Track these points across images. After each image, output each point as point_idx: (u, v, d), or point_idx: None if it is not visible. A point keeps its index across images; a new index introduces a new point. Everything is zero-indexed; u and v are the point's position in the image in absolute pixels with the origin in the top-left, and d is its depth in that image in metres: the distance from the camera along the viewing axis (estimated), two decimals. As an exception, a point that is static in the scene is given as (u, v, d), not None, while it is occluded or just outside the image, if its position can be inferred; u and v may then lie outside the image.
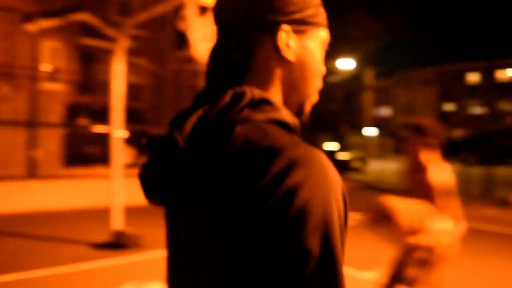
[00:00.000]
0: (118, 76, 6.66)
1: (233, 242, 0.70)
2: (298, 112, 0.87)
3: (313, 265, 0.67)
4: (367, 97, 39.18)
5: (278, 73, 0.83)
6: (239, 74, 0.82)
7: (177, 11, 6.01)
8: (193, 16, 6.13)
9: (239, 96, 0.77)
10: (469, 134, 38.89)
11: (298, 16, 0.82)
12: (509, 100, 42.84)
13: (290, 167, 0.69)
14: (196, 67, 6.58)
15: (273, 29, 0.81)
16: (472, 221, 9.49)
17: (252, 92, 0.78)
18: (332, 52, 19.78)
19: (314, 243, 0.67)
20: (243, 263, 0.70)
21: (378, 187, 14.78)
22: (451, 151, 26.81)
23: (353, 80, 25.75)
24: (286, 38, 0.81)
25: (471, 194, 12.70)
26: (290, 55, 0.82)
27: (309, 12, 0.83)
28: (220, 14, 0.85)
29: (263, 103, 0.78)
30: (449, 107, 46.99)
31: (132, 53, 8.19)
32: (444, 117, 46.07)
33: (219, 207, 0.72)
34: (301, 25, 0.83)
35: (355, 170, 21.00)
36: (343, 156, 21.24)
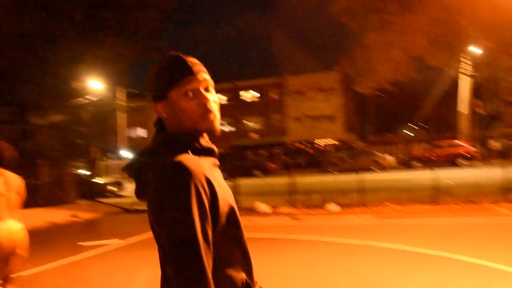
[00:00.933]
0: None
1: (151, 212, 1.26)
2: (201, 133, 1.39)
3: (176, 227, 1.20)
4: (120, 119, 38.66)
5: (167, 123, 1.40)
6: (160, 125, 1.43)
7: None
8: None
9: (159, 139, 1.39)
10: (220, 150, 42.04)
11: (157, 95, 1.39)
12: (251, 118, 47.99)
13: (168, 168, 1.25)
14: None
15: (154, 104, 1.41)
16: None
17: (162, 133, 1.41)
18: (78, 74, 18.82)
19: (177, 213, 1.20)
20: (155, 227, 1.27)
21: (137, 210, 14.59)
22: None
23: (104, 102, 25.07)
24: (159, 107, 1.39)
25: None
26: (162, 114, 1.39)
27: (160, 88, 1.38)
28: None
29: (169, 140, 1.37)
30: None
31: None
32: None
33: (149, 194, 1.27)
34: (162, 99, 1.38)
35: (113, 194, 20.40)
36: (100, 180, 20.41)
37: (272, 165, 32.21)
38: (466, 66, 22.81)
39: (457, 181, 15.14)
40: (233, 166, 17.64)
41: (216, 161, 1.44)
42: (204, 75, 1.39)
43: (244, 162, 28.64)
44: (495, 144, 30.13)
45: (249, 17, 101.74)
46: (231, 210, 1.35)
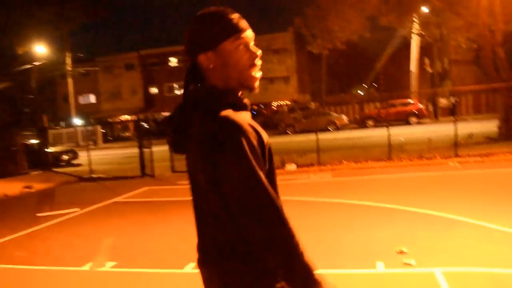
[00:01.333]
0: None
1: (203, 162, 1.34)
2: (242, 87, 1.44)
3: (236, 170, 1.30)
4: (68, 85, 37.19)
5: (210, 74, 1.42)
6: (196, 78, 1.45)
7: None
8: None
9: (200, 91, 1.42)
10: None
11: (206, 45, 1.40)
12: (204, 81, 47.25)
13: (217, 124, 1.32)
14: None
15: (194, 54, 1.42)
16: (184, 193, 10.17)
17: (204, 87, 1.43)
18: (22, 39, 17.84)
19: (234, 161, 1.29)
20: (210, 177, 1.33)
21: (92, 178, 14.29)
22: (159, 133, 28.02)
23: (51, 68, 24.01)
24: (204, 57, 1.40)
25: (180, 170, 13.57)
26: (207, 65, 1.41)
27: (213, 38, 1.39)
28: (184, 47, 1.45)
29: (214, 95, 1.39)
30: (154, 90, 48.94)
31: None
32: (150, 100, 47.91)
33: (197, 152, 1.35)
34: (210, 49, 1.40)
35: (67, 163, 19.85)
36: (52, 149, 19.75)
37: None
38: (416, 26, 23.19)
39: (409, 138, 15.64)
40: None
41: (250, 115, 1.50)
42: (251, 31, 1.46)
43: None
44: (443, 102, 31.20)
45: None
46: (272, 157, 1.46)
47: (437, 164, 11.33)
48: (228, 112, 1.34)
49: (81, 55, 38.14)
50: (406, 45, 32.58)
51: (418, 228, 5.86)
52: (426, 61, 34.65)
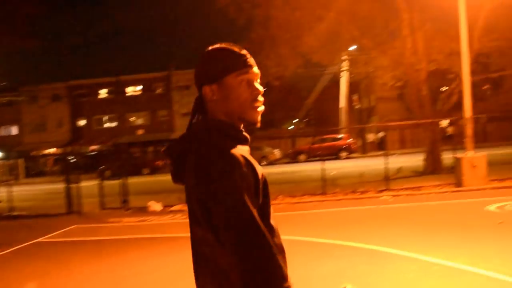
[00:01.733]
0: None
1: (198, 193, 1.37)
2: (243, 122, 1.49)
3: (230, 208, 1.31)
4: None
5: (213, 106, 1.48)
6: (201, 109, 1.50)
7: None
8: None
9: (202, 122, 1.48)
10: (103, 148, 40.10)
11: (211, 77, 1.46)
12: (137, 113, 46.38)
13: (215, 156, 1.35)
14: None
15: (201, 86, 1.48)
16: (116, 231, 9.65)
17: (206, 118, 1.48)
18: None
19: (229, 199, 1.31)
20: (204, 207, 1.36)
21: (13, 216, 13.25)
22: (88, 166, 26.87)
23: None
24: (208, 89, 1.46)
25: (110, 206, 12.92)
26: (211, 97, 1.47)
27: (217, 71, 1.45)
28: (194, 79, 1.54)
29: (216, 127, 1.44)
30: (81, 122, 47.20)
31: None
32: (78, 133, 46.07)
33: (192, 181, 1.38)
34: (214, 82, 1.46)
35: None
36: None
37: (161, 162, 31.39)
38: (346, 64, 24.18)
39: (341, 172, 15.97)
40: (120, 165, 16.79)
41: (249, 149, 1.52)
42: (257, 69, 1.51)
43: (131, 160, 27.39)
44: (371, 137, 32.48)
45: (134, 9, 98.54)
46: (267, 190, 1.45)
47: (370, 197, 11.57)
48: (227, 145, 1.39)
49: (4, 83, 36.11)
50: (336, 82, 33.83)
51: (359, 263, 5.83)
52: (355, 97, 36.13)
